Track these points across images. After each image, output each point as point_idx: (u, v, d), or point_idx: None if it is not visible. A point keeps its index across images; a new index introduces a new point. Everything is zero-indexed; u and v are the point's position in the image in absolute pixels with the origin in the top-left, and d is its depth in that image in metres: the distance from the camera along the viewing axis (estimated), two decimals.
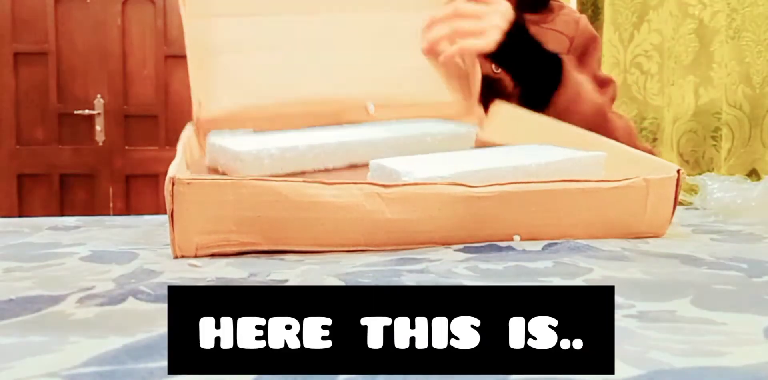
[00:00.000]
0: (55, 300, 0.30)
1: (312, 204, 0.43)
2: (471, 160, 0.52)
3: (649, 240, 0.49)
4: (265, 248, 0.44)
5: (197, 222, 0.42)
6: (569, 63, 0.79)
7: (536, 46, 0.78)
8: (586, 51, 0.92)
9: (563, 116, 0.73)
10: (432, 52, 0.73)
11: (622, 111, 1.62)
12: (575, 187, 0.47)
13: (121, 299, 0.30)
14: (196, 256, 0.43)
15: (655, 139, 1.60)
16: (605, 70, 1.63)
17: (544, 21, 0.92)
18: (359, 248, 0.45)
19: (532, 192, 0.46)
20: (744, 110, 1.42)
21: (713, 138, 1.48)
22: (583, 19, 0.95)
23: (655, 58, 1.58)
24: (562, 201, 0.47)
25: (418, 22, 0.72)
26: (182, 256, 0.43)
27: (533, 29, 0.90)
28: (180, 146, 0.54)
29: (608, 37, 1.62)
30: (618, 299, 0.29)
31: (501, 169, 0.50)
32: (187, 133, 0.60)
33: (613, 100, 0.89)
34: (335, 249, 0.44)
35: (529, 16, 0.90)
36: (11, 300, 0.30)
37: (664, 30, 1.55)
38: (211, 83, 0.64)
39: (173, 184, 0.41)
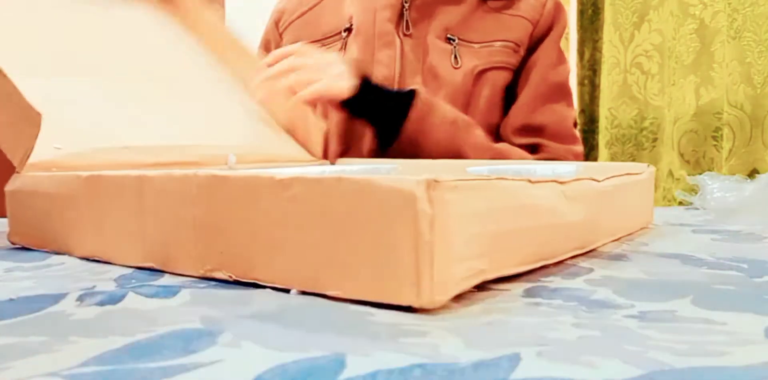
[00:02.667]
0: (55, 300, 0.30)
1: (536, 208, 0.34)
2: None
3: (648, 240, 0.49)
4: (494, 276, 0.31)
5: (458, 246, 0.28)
6: (425, 94, 0.79)
7: (383, 89, 0.79)
8: (547, 33, 0.91)
9: (413, 148, 0.76)
10: (270, 102, 0.71)
11: (622, 111, 1.62)
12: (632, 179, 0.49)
13: (121, 299, 0.30)
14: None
15: (655, 139, 1.60)
16: (605, 70, 1.63)
17: (507, 8, 0.90)
18: None
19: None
20: (745, 110, 1.42)
21: (714, 138, 1.48)
22: (550, 2, 0.92)
23: (655, 58, 1.58)
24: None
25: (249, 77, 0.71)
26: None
27: (494, 16, 0.88)
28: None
29: (608, 37, 1.62)
30: (618, 299, 0.29)
31: None
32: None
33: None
34: None
35: (492, 4, 0.89)
36: (11, 300, 0.30)
37: (665, 30, 1.55)
38: (45, 130, 0.47)
39: (430, 189, 0.26)
